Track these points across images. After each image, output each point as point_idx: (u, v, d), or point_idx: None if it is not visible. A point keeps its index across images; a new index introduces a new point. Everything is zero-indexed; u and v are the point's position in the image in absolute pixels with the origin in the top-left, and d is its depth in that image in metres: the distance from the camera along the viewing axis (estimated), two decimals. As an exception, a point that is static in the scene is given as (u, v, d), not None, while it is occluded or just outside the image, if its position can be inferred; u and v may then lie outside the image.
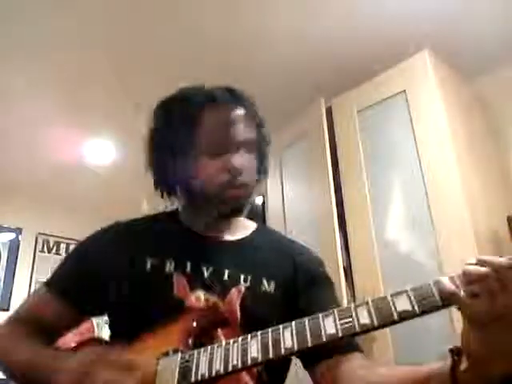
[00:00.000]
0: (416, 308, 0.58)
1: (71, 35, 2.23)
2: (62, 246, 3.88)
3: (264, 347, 0.64)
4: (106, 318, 0.90)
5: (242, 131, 0.86)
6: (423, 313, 0.58)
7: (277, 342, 0.64)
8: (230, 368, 0.65)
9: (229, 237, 0.93)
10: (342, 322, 0.61)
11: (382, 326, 0.60)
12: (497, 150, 2.33)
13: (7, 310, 3.37)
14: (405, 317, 0.59)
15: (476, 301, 0.54)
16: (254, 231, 0.97)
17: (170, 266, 0.84)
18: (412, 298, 0.59)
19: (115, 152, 3.28)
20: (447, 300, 0.57)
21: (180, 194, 0.93)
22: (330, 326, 0.62)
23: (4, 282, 3.56)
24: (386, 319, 0.59)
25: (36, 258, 3.81)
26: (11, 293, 3.51)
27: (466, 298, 0.55)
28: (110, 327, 0.90)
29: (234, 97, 0.88)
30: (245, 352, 0.65)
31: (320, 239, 2.11)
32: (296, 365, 0.86)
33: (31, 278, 3.68)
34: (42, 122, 2.89)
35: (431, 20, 2.15)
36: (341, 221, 2.15)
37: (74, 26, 2.18)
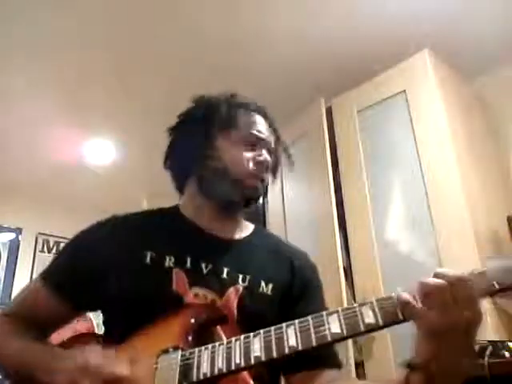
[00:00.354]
0: None
1: (71, 35, 2.23)
2: (62, 245, 3.89)
3: (267, 346, 0.63)
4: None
5: (268, 134, 0.98)
6: None
7: (280, 341, 0.63)
8: (233, 367, 0.64)
9: (229, 235, 0.94)
10: (347, 321, 0.60)
11: (386, 325, 0.59)
12: (497, 150, 2.33)
13: (7, 309, 3.36)
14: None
15: (430, 312, 0.55)
16: (253, 232, 0.98)
17: (169, 261, 0.84)
18: None
19: (115, 152, 3.28)
20: (402, 310, 0.57)
21: (194, 178, 0.95)
22: (334, 325, 0.61)
23: (4, 282, 3.56)
24: (391, 318, 0.59)
25: (36, 257, 3.81)
26: (11, 293, 3.50)
27: (421, 308, 0.56)
28: (105, 323, 0.89)
29: (260, 107, 1.01)
30: (247, 350, 0.64)
31: (320, 239, 2.11)
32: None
33: (31, 278, 3.67)
34: (42, 122, 2.89)
35: (431, 20, 2.15)
36: (341, 221, 2.15)
37: (74, 26, 2.18)
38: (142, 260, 0.84)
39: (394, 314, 0.58)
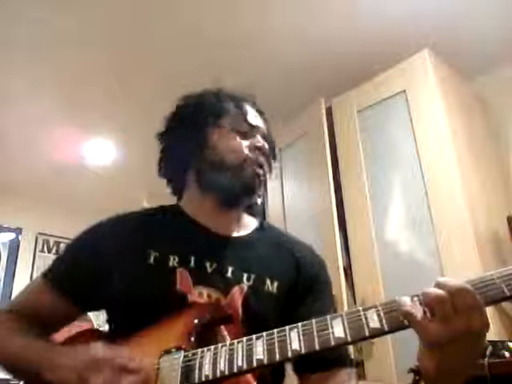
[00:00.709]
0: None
1: (71, 35, 2.23)
2: (62, 245, 3.88)
3: (270, 349, 0.62)
4: (105, 317, 0.90)
5: (260, 121, 0.98)
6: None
7: (283, 344, 0.62)
8: (235, 369, 0.63)
9: (233, 232, 0.93)
10: (351, 325, 0.59)
11: (392, 330, 0.58)
12: (497, 150, 2.33)
13: (7, 310, 3.36)
14: None
15: (431, 323, 0.55)
16: (257, 228, 0.97)
17: (173, 261, 0.83)
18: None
19: (115, 152, 3.28)
20: (405, 319, 0.57)
21: (192, 176, 0.94)
22: (338, 329, 0.59)
23: (4, 282, 3.56)
24: (397, 324, 0.58)
25: (36, 257, 3.81)
26: (11, 293, 3.50)
27: (422, 319, 0.55)
28: (109, 322, 0.89)
29: (248, 96, 1.01)
30: (250, 353, 0.63)
31: (320, 239, 2.11)
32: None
33: (31, 278, 3.67)
34: (42, 122, 2.89)
35: (431, 20, 2.15)
36: (341, 221, 2.15)
37: (74, 26, 2.18)
38: (146, 260, 0.83)
39: (400, 319, 0.58)
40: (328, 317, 0.62)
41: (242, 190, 0.90)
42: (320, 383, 0.81)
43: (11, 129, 2.93)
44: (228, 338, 0.76)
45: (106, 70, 2.47)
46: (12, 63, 2.39)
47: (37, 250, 3.85)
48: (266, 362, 0.62)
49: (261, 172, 0.92)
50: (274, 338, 0.63)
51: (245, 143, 0.91)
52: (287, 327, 0.63)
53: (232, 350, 0.65)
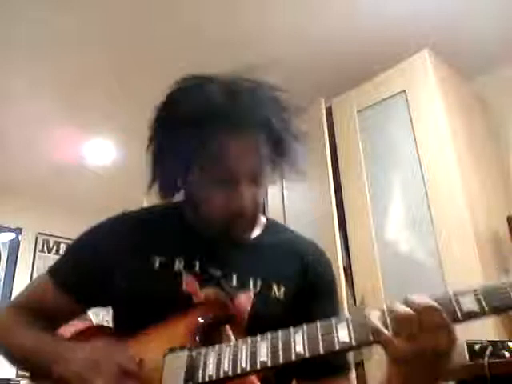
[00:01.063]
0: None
1: (71, 35, 2.23)
2: (62, 245, 3.88)
3: (274, 351, 0.62)
4: (107, 315, 0.90)
5: (253, 162, 0.78)
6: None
7: (287, 347, 0.61)
8: (239, 370, 0.63)
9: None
10: (356, 329, 0.58)
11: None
12: (497, 150, 2.33)
13: (7, 310, 3.36)
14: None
15: (397, 339, 0.55)
16: (264, 230, 0.94)
17: (179, 264, 0.83)
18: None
19: (115, 152, 3.27)
20: (373, 335, 0.57)
21: (182, 194, 0.89)
22: (343, 333, 0.59)
23: (4, 282, 3.56)
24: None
25: (36, 257, 3.81)
26: (11, 293, 3.50)
27: (389, 335, 0.55)
28: (114, 319, 0.89)
29: (252, 113, 0.78)
30: (254, 355, 0.63)
31: (320, 239, 2.08)
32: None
33: (31, 278, 3.67)
34: (42, 122, 2.89)
35: (431, 20, 2.15)
36: (341, 221, 2.15)
37: (74, 27, 2.18)
38: (151, 263, 0.83)
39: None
40: (333, 320, 0.61)
41: (232, 238, 0.84)
42: None
43: (11, 129, 2.93)
44: (233, 338, 0.76)
45: (106, 70, 2.47)
46: (12, 63, 2.39)
47: (37, 250, 3.85)
48: (269, 364, 0.61)
49: (246, 228, 0.83)
50: (278, 341, 0.63)
51: (222, 200, 0.77)
52: (292, 329, 0.63)
53: (236, 350, 0.65)
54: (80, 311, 0.93)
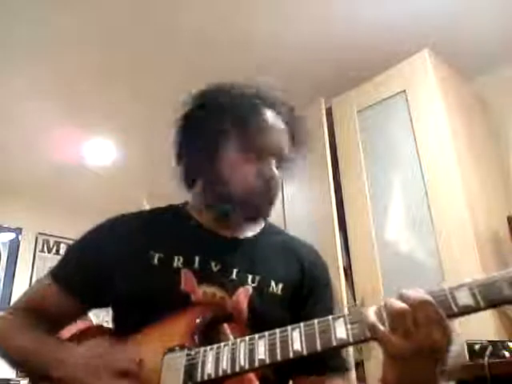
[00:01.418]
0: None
1: (71, 35, 2.23)
2: (62, 245, 3.88)
3: (272, 349, 0.62)
4: (106, 318, 0.90)
5: (283, 145, 0.88)
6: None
7: (285, 345, 0.62)
8: (238, 368, 0.64)
9: (238, 234, 0.92)
10: (353, 326, 0.59)
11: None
12: (497, 150, 2.33)
13: (7, 310, 3.36)
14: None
15: (393, 336, 0.54)
16: (262, 230, 0.96)
17: (178, 262, 0.83)
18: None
19: (115, 152, 3.28)
20: (369, 331, 0.57)
21: (199, 185, 0.91)
22: (340, 330, 0.59)
23: (4, 282, 3.56)
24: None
25: (36, 257, 3.81)
26: (11, 293, 3.50)
27: (385, 332, 0.55)
28: (114, 319, 0.90)
29: (278, 108, 0.92)
30: (252, 353, 0.64)
31: (320, 239, 2.11)
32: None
33: (31, 277, 3.67)
34: (42, 122, 2.89)
35: (431, 20, 2.15)
36: (341, 221, 2.15)
37: (74, 26, 2.18)
38: (150, 261, 0.84)
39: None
40: (330, 317, 0.61)
41: (248, 220, 0.89)
42: None
43: (11, 129, 2.93)
44: (231, 336, 0.77)
45: (106, 70, 2.47)
46: (12, 63, 2.38)
47: (37, 250, 3.84)
48: (267, 361, 0.62)
49: (271, 200, 0.87)
50: (275, 338, 0.63)
51: (253, 170, 0.84)
52: (289, 327, 0.63)
53: (234, 349, 0.66)
54: (82, 312, 0.93)
